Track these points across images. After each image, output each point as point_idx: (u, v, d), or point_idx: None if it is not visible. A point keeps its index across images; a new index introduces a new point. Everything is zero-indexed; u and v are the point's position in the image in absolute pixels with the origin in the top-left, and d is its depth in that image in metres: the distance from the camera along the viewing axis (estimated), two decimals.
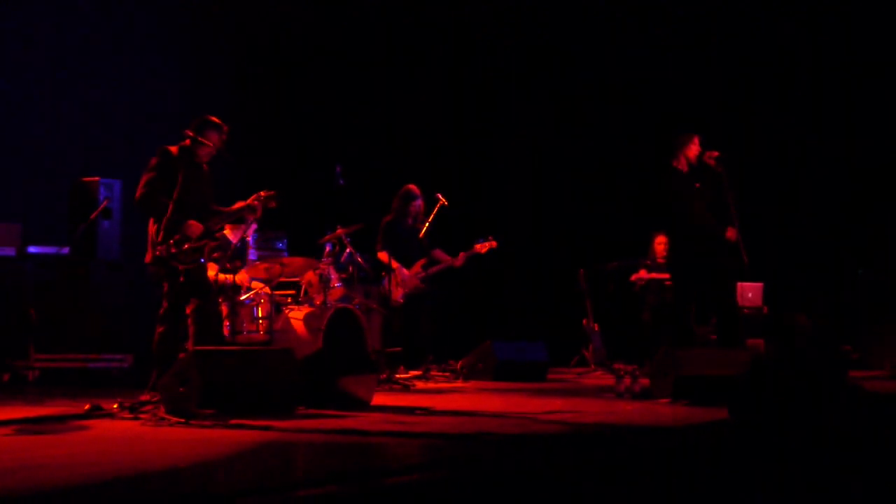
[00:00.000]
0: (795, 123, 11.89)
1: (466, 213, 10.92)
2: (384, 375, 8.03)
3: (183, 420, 5.15)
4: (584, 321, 11.00)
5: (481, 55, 12.65)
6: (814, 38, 11.76)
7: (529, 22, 12.49)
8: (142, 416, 5.41)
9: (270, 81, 11.11)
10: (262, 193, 6.50)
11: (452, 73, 12.51)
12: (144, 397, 5.90)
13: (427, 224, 9.49)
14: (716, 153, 8.01)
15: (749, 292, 10.64)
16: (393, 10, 11.96)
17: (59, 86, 9.52)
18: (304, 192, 10.90)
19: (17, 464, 3.85)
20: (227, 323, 7.14)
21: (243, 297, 7.15)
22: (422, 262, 9.37)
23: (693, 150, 8.08)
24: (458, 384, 8.66)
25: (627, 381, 7.01)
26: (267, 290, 7.20)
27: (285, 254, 9.27)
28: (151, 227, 6.32)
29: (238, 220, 6.93)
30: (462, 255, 9.35)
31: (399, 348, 9.00)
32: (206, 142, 6.36)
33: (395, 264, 9.11)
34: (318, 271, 7.81)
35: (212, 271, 7.35)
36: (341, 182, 8.20)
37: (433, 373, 9.15)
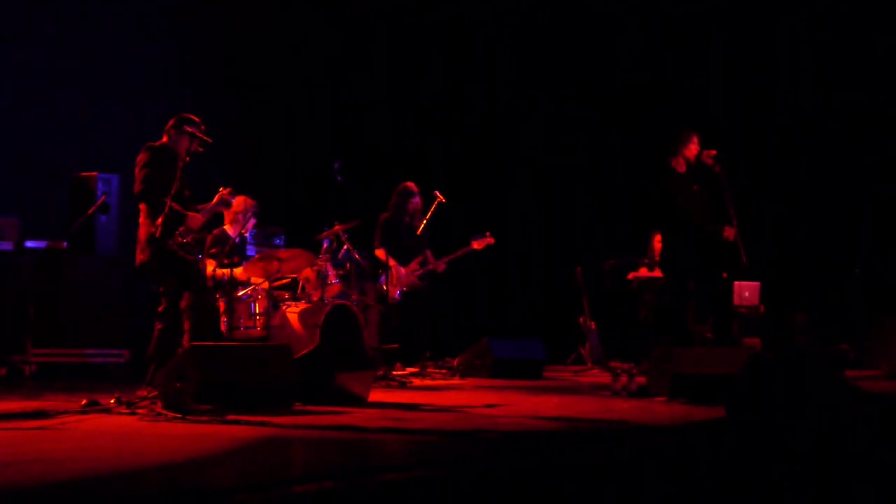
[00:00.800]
0: (795, 123, 11.90)
1: (464, 210, 10.91)
2: (381, 372, 8.03)
3: (180, 416, 5.15)
4: (581, 319, 10.98)
5: (480, 51, 12.66)
6: (814, 38, 11.76)
7: (529, 20, 12.49)
8: (139, 411, 5.41)
9: (269, 78, 11.09)
10: (222, 189, 6.68)
11: (452, 69, 12.51)
12: (142, 392, 5.91)
13: (425, 221, 9.50)
14: (714, 152, 8.01)
15: (746, 291, 10.64)
16: (393, 7, 11.95)
17: (58, 80, 9.50)
18: (302, 188, 10.91)
19: (13, 458, 3.85)
20: (224, 319, 7.15)
21: (240, 293, 7.16)
22: (419, 259, 9.38)
23: (692, 148, 8.08)
24: (455, 381, 8.65)
25: (624, 379, 7.00)
26: (265, 285, 7.20)
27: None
28: (142, 229, 6.36)
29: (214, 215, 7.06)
30: (444, 260, 9.39)
31: (396, 345, 9.01)
32: (184, 139, 6.53)
33: (391, 262, 9.12)
34: (315, 268, 7.82)
35: (209, 267, 7.35)
36: (339, 178, 8.20)
37: (430, 370, 9.16)
